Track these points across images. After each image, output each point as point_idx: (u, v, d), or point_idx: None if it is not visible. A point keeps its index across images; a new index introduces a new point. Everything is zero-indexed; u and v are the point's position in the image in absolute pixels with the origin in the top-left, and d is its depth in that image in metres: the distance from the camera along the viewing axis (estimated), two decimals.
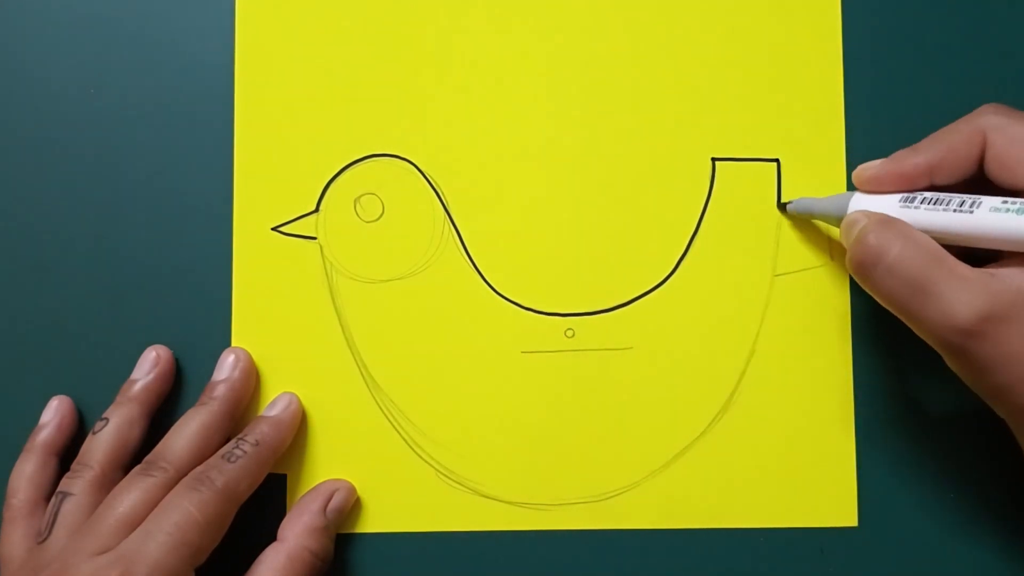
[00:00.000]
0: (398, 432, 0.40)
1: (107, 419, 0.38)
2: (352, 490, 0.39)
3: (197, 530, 0.34)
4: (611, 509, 0.39)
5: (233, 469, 0.36)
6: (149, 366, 0.39)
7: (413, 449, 0.40)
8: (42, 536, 0.35)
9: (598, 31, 0.41)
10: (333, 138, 0.40)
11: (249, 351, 0.39)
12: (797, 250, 0.40)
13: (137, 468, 0.36)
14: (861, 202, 0.35)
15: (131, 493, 0.35)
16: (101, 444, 0.37)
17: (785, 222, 0.40)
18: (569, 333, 0.40)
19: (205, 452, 0.37)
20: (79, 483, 0.36)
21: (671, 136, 0.40)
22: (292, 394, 0.39)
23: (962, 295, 0.31)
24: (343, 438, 0.40)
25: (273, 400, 0.39)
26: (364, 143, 0.40)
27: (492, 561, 0.39)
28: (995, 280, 0.31)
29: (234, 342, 0.40)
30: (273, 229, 0.40)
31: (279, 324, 0.40)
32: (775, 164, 0.40)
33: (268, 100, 0.41)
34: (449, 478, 0.39)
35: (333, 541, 0.38)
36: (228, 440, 0.38)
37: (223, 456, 0.36)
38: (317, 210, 0.40)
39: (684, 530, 0.39)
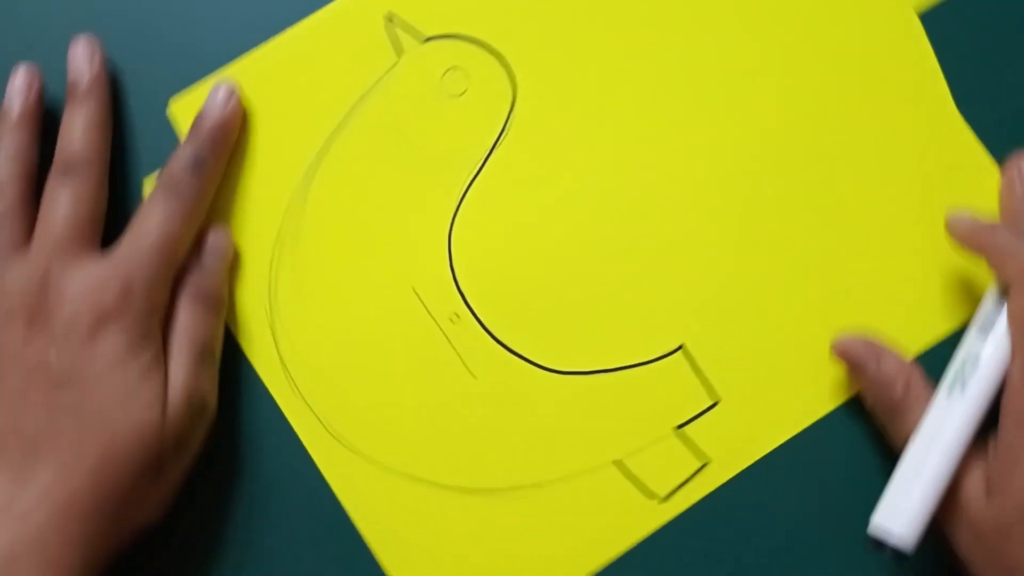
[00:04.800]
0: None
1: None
2: (227, 236, 0.37)
3: (175, 241, 0.35)
4: None
5: (198, 183, 0.36)
6: (24, 88, 0.37)
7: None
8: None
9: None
10: None
11: None
12: None
13: (53, 176, 0.35)
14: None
15: (67, 201, 0.35)
16: (4, 169, 0.36)
17: None
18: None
19: (107, 142, 0.36)
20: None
21: None
22: (229, 83, 0.37)
23: None
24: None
25: (212, 90, 0.37)
26: None
27: None
28: None
29: None
30: None
31: None
32: None
33: None
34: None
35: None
36: (112, 126, 0.37)
37: (189, 164, 0.36)
38: None
39: None
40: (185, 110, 0.37)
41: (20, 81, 0.37)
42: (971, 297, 0.37)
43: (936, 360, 0.36)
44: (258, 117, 0.37)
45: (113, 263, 0.34)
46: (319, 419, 0.37)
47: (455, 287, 0.37)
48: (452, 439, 0.37)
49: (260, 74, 0.38)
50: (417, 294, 0.37)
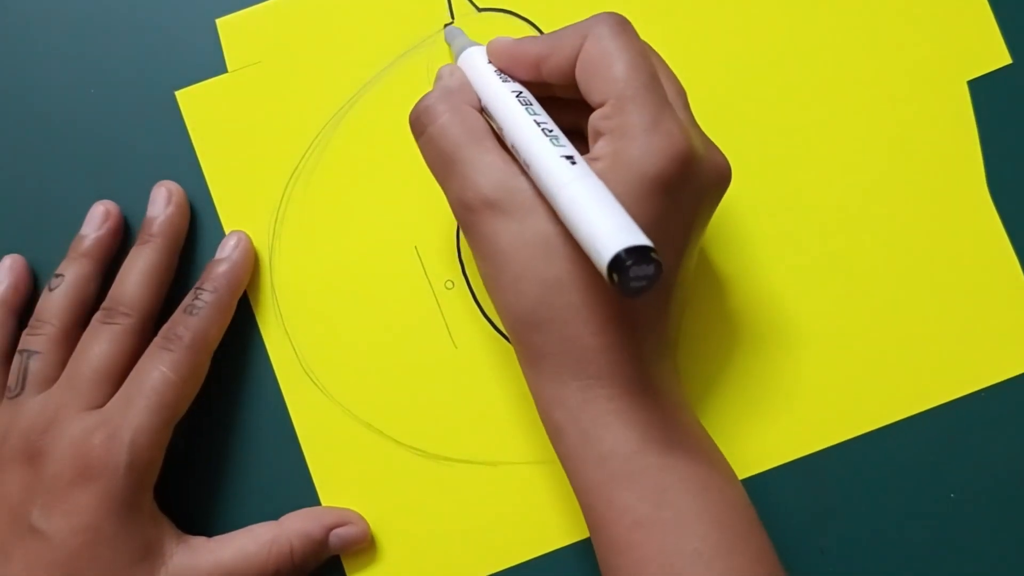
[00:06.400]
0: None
1: (62, 275, 0.36)
2: (363, 533, 0.37)
3: (174, 390, 0.34)
4: None
5: (198, 322, 0.35)
6: (99, 221, 0.37)
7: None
8: (13, 392, 0.35)
9: None
10: None
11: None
12: None
13: (98, 316, 0.35)
14: (468, 57, 0.34)
15: (101, 344, 0.35)
16: (59, 300, 0.36)
17: None
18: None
19: (159, 290, 0.36)
20: (41, 340, 0.35)
21: None
22: (240, 232, 0.38)
23: (479, 176, 0.31)
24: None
25: (223, 241, 0.37)
26: None
27: None
28: (515, 176, 0.31)
29: None
30: None
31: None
32: None
33: None
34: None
35: (320, 561, 0.36)
36: (174, 272, 0.37)
37: (185, 310, 0.36)
38: None
39: None
40: (191, 98, 0.38)
41: (98, 213, 0.37)
42: (964, 368, 0.37)
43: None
44: (307, 50, 0.38)
45: (103, 415, 0.34)
46: (295, 351, 0.38)
47: (457, 255, 0.38)
48: (419, 402, 0.37)
49: (314, 9, 0.38)
50: (418, 253, 0.38)
